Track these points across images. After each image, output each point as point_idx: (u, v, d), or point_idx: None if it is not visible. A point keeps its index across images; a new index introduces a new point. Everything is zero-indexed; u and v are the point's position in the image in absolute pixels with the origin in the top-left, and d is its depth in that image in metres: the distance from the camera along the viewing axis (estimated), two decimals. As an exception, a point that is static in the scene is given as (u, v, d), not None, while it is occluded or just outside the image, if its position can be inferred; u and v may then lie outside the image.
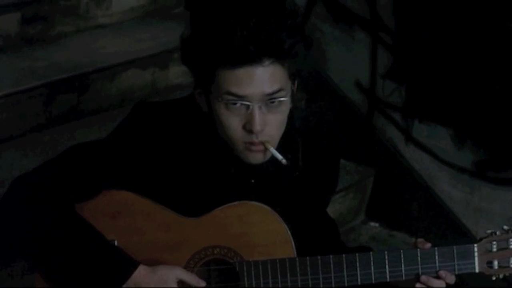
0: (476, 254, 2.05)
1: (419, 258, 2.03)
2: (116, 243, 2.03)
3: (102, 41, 3.56)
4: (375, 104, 3.61)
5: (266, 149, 1.97)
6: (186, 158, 2.05)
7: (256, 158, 1.99)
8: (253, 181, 2.10)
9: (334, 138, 2.19)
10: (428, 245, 2.05)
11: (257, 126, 1.93)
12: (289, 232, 2.03)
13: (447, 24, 3.30)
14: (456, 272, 2.05)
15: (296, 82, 2.02)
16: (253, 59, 1.89)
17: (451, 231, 3.48)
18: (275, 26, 1.89)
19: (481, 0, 3.19)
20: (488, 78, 3.25)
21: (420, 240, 2.06)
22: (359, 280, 2.04)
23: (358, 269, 2.03)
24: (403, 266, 2.03)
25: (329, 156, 2.20)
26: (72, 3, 3.54)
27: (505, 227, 2.07)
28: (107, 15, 3.66)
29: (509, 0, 3.14)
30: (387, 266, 2.03)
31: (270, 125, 1.95)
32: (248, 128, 1.94)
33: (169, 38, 3.47)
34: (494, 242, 2.05)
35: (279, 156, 1.97)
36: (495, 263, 2.06)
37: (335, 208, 3.47)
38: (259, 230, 2.03)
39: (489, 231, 2.07)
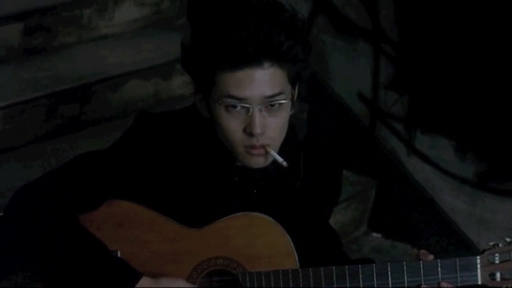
0: (479, 266, 2.04)
1: (421, 270, 2.03)
2: (119, 253, 2.03)
3: (105, 52, 3.56)
4: (377, 115, 3.61)
5: (267, 153, 1.97)
6: (189, 168, 2.05)
7: (257, 162, 1.99)
8: (255, 191, 2.10)
9: (336, 149, 2.18)
10: (431, 257, 2.04)
11: (257, 129, 1.93)
12: (291, 244, 2.03)
13: (450, 35, 3.30)
14: (459, 284, 2.05)
15: (296, 88, 2.02)
16: (253, 60, 1.90)
17: (453, 242, 3.48)
18: (274, 28, 1.89)
19: (484, 11, 3.20)
20: (491, 89, 3.25)
21: (422, 251, 2.06)
22: (361, 291, 2.04)
23: (361, 280, 2.03)
24: (405, 278, 2.03)
25: (332, 167, 2.20)
26: (74, 14, 3.54)
27: (507, 239, 2.06)
28: (109, 25, 3.67)
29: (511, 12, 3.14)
30: (389, 278, 2.03)
31: (271, 129, 1.95)
32: (248, 131, 1.94)
33: (171, 49, 3.47)
34: (497, 254, 2.05)
35: (279, 159, 1.97)
36: (498, 275, 2.06)
37: (337, 219, 3.46)
38: (262, 241, 2.03)
39: (491, 243, 2.07)
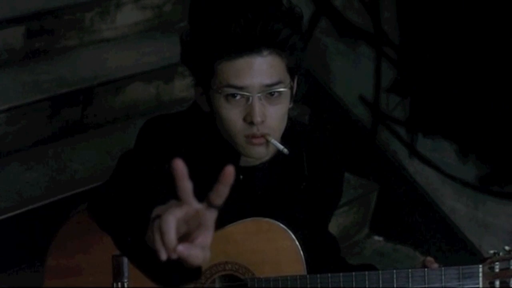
0: (480, 274, 2.07)
1: (426, 278, 2.05)
2: None
3: (107, 55, 3.56)
4: (379, 118, 3.61)
5: (267, 142, 1.97)
6: (198, 168, 2.05)
7: (258, 152, 1.99)
8: (259, 191, 2.10)
9: (338, 152, 2.19)
10: (436, 265, 2.07)
11: (257, 117, 1.93)
12: (300, 250, 2.04)
13: (452, 38, 3.30)
14: (461, 291, 2.08)
15: (295, 80, 2.03)
16: (251, 48, 1.91)
17: (455, 245, 3.48)
18: (272, 18, 1.91)
19: (485, 14, 3.20)
20: (492, 92, 3.25)
21: (429, 259, 2.08)
22: (366, 297, 2.05)
23: (367, 287, 2.04)
24: (410, 285, 2.04)
25: (333, 170, 2.21)
26: (76, 17, 3.54)
27: (507, 248, 2.09)
28: (111, 28, 3.66)
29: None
30: (395, 285, 2.04)
31: (270, 118, 1.96)
32: (248, 120, 1.95)
33: (173, 52, 3.42)
34: (497, 263, 2.08)
35: (280, 147, 1.97)
36: (497, 282, 2.10)
37: (338, 222, 3.47)
38: (271, 246, 2.04)
39: (492, 251, 2.10)
